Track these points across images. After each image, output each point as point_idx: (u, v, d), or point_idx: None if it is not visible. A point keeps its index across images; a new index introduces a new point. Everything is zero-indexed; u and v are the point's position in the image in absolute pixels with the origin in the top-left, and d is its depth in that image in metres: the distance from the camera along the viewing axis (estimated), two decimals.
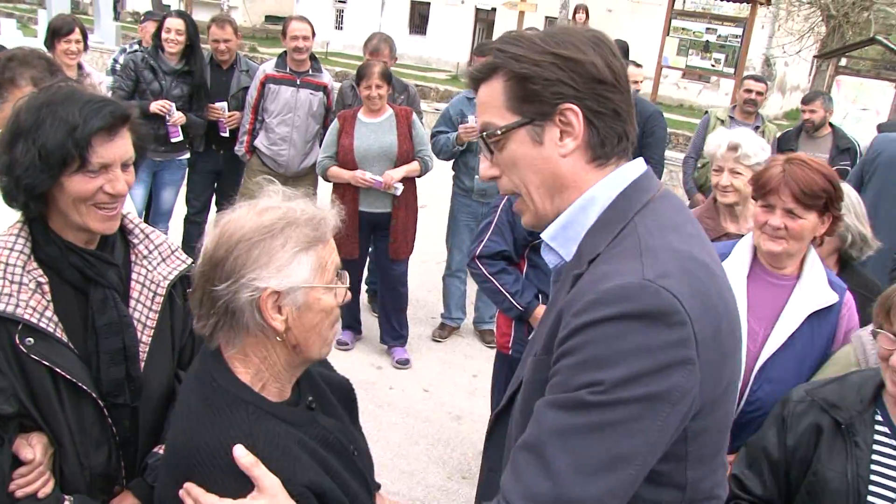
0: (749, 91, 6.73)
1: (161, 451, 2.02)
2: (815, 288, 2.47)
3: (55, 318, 1.82)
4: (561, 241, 1.40)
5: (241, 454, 1.38)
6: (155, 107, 5.52)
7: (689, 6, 13.24)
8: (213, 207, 6.63)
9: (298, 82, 5.80)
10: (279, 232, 1.44)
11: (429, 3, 30.00)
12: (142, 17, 6.44)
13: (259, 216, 1.46)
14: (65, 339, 1.83)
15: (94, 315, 1.87)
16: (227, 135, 6.04)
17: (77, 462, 1.87)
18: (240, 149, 5.99)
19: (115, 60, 6.02)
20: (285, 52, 5.85)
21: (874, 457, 1.95)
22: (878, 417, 1.98)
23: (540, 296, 3.34)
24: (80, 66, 5.51)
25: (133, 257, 2.00)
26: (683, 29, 12.89)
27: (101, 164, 1.78)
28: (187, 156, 6.16)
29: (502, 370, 3.65)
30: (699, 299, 1.21)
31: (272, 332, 1.46)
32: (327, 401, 1.73)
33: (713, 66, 12.79)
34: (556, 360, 1.25)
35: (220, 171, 6.34)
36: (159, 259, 2.04)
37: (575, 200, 1.36)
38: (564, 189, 1.36)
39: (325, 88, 5.93)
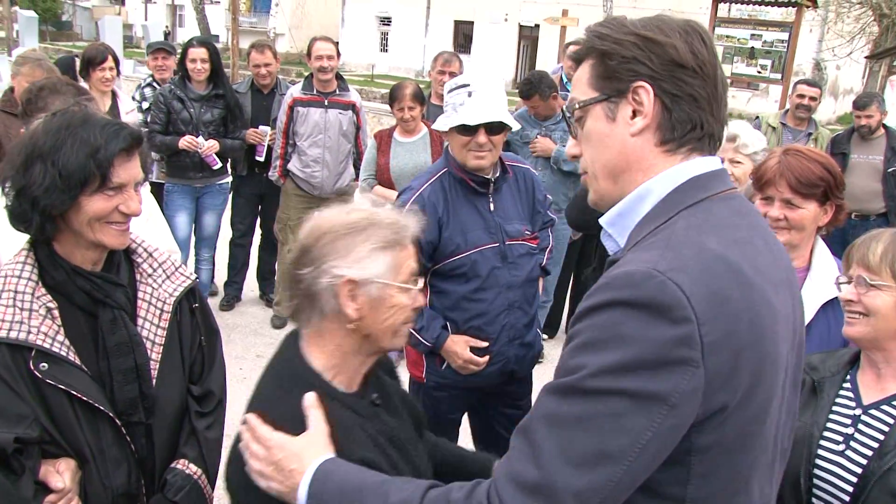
0: (802, 96, 6.53)
1: (178, 466, 2.07)
2: (825, 278, 2.46)
3: (67, 342, 1.86)
4: (618, 228, 1.39)
5: (309, 398, 1.53)
6: (183, 143, 5.65)
7: (733, 13, 13.01)
8: (258, 230, 6.74)
9: (326, 103, 5.85)
10: (362, 230, 1.59)
11: (472, 23, 30.20)
12: (151, 51, 6.54)
13: (347, 215, 1.62)
14: (78, 361, 1.87)
15: (104, 336, 1.91)
16: (262, 159, 6.13)
17: (100, 482, 1.91)
18: (273, 174, 6.07)
19: (142, 99, 6.16)
20: (311, 74, 5.91)
21: (833, 409, 2.07)
22: (848, 379, 2.11)
23: (449, 325, 3.12)
24: (113, 93, 5.68)
25: (138, 276, 2.05)
26: (727, 36, 12.68)
27: (118, 184, 1.85)
28: (229, 180, 6.28)
29: (418, 397, 3.28)
30: (715, 302, 1.16)
31: (346, 318, 1.58)
32: (393, 404, 1.79)
33: (759, 72, 12.55)
34: (565, 344, 1.26)
35: (263, 194, 6.44)
36: (164, 276, 2.08)
37: (640, 183, 1.35)
38: (628, 170, 1.35)
39: (353, 107, 5.98)
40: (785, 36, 12.21)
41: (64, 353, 1.84)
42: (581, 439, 1.15)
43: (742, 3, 13.22)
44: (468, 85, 3.01)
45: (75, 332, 1.89)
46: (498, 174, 3.16)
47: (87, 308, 1.92)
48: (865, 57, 17.41)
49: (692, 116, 1.31)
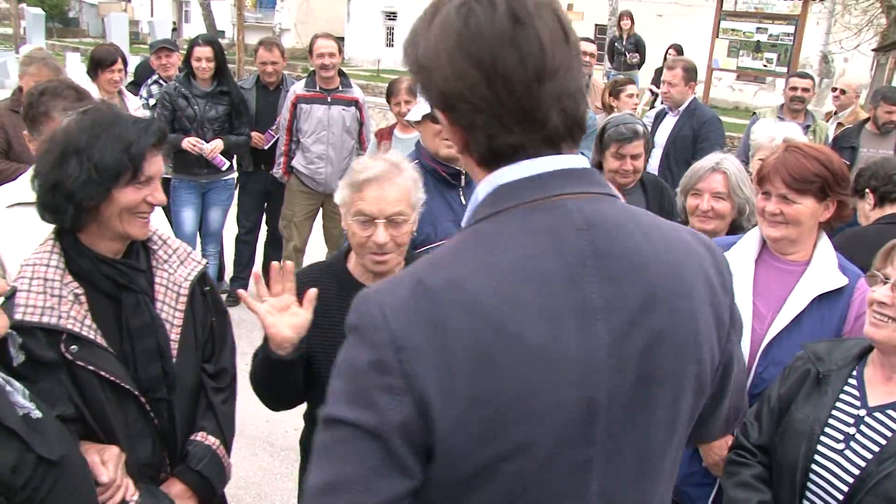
0: (794, 89, 6.56)
1: (198, 438, 2.23)
2: (824, 272, 2.48)
3: (94, 326, 1.99)
4: None
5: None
6: (186, 144, 5.69)
7: (739, 6, 12.95)
8: (264, 227, 6.78)
9: (329, 99, 5.89)
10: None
11: None
12: (154, 49, 6.58)
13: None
14: (104, 343, 2.00)
15: (128, 319, 2.05)
16: (266, 147, 6.18)
17: (126, 455, 2.04)
18: (277, 171, 6.11)
19: (148, 96, 6.20)
20: (314, 71, 5.94)
21: (836, 406, 2.06)
22: (854, 374, 2.08)
23: None
24: (120, 92, 5.73)
25: (154, 262, 2.17)
26: (733, 30, 12.66)
27: (147, 177, 2.00)
28: (234, 176, 6.32)
29: None
30: (424, 328, 1.06)
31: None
32: None
33: (765, 66, 12.52)
34: None
35: (269, 191, 6.48)
36: (178, 262, 2.22)
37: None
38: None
39: (356, 103, 6.01)
40: (791, 29, 12.17)
41: (92, 336, 1.97)
42: (324, 467, 1.12)
43: None
44: None
45: (100, 316, 2.02)
46: None
47: (111, 293, 2.04)
48: (873, 49, 17.31)
49: (500, 137, 1.16)
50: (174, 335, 2.13)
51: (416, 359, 1.05)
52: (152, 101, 6.10)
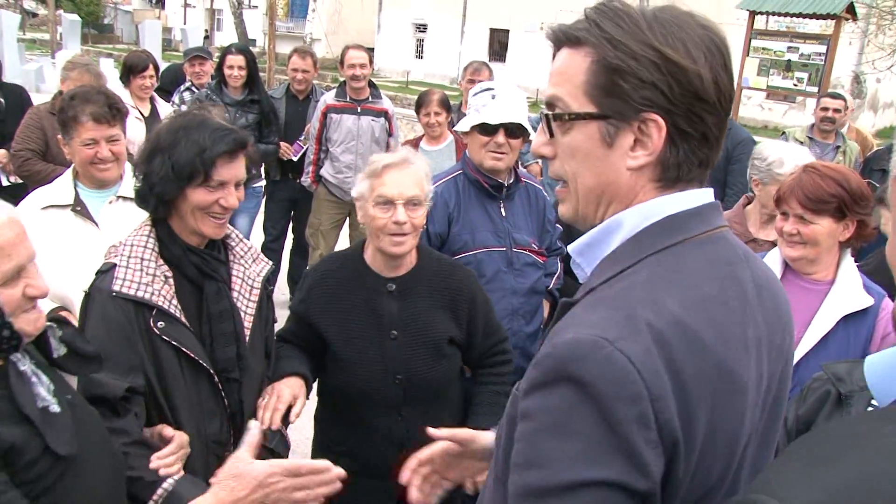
0: (825, 109, 6.46)
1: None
2: (848, 292, 2.49)
3: (179, 306, 2.15)
4: (587, 259, 1.24)
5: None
6: None
7: (770, 25, 12.88)
8: (290, 235, 6.83)
9: (359, 110, 5.93)
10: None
11: (508, 31, 30.23)
12: (188, 57, 6.67)
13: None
14: (187, 323, 2.16)
15: (209, 304, 2.20)
16: (296, 158, 6.24)
17: (195, 431, 2.18)
18: (306, 179, 6.17)
19: (181, 102, 6.28)
20: (344, 81, 5.99)
21: None
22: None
23: None
24: (152, 99, 5.81)
25: (231, 257, 2.34)
26: (764, 49, 12.58)
27: (219, 182, 2.13)
28: (262, 184, 6.37)
29: None
30: (666, 374, 1.02)
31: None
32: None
33: (795, 85, 12.41)
34: (521, 416, 1.09)
35: (296, 199, 6.53)
36: (251, 259, 2.39)
37: (616, 213, 1.19)
38: (615, 201, 1.19)
39: (385, 114, 6.05)
40: (823, 49, 12.08)
41: (177, 315, 2.13)
42: None
43: (780, 16, 13.10)
44: (492, 88, 3.16)
45: (184, 299, 2.18)
46: (512, 181, 3.26)
47: (195, 280, 2.20)
48: None
49: (700, 156, 1.16)
50: (247, 323, 2.29)
51: (668, 408, 1.01)
52: (184, 108, 6.17)
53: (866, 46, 21.51)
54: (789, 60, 12.36)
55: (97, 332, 2.04)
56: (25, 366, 1.63)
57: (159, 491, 1.97)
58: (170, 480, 1.99)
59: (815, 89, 11.95)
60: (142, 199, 2.17)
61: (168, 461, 2.01)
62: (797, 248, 2.52)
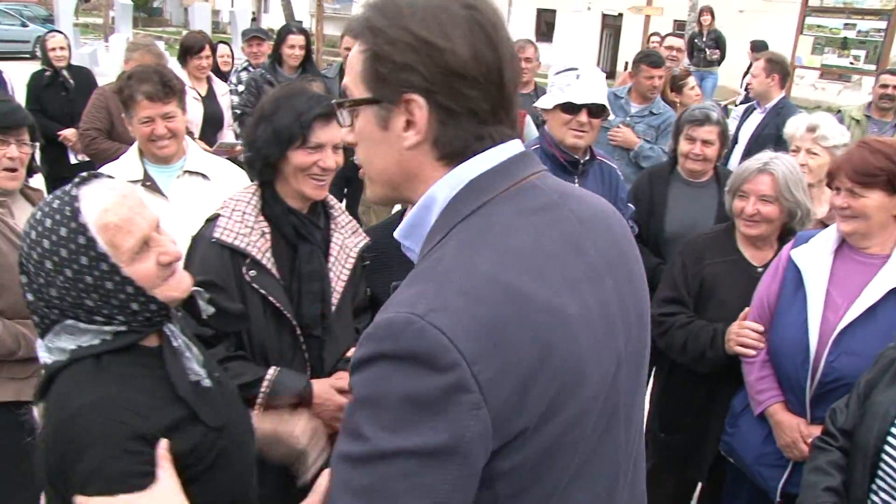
0: (885, 86, 6.30)
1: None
2: None
3: (272, 260, 2.30)
4: (413, 240, 1.27)
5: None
6: None
7: (826, 1, 12.54)
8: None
9: None
10: None
11: (555, 11, 29.93)
12: (247, 37, 6.76)
13: None
14: (278, 276, 2.30)
15: (301, 263, 2.34)
16: None
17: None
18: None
19: (238, 82, 6.37)
20: None
21: None
22: None
23: None
24: (209, 78, 5.94)
25: (332, 226, 2.49)
26: (819, 26, 12.28)
27: (317, 143, 2.27)
28: None
29: None
30: (485, 334, 1.04)
31: None
32: None
33: (852, 63, 12.11)
34: (351, 392, 1.12)
35: (349, 176, 6.57)
36: (350, 231, 2.52)
37: (423, 192, 1.22)
38: (407, 180, 1.24)
39: None
40: (883, 25, 11.73)
41: (269, 267, 2.28)
42: None
43: None
44: (577, 69, 3.24)
45: (279, 256, 2.32)
46: (587, 158, 3.33)
47: (291, 240, 2.35)
48: None
49: (472, 131, 1.18)
50: (339, 287, 2.41)
51: (490, 367, 1.04)
52: (241, 88, 6.28)
53: None
54: (845, 38, 12.06)
55: (195, 275, 2.09)
56: (178, 341, 1.65)
57: (265, 383, 2.22)
58: (271, 371, 2.24)
59: (873, 67, 11.64)
60: (249, 163, 2.34)
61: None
62: (849, 222, 2.55)
